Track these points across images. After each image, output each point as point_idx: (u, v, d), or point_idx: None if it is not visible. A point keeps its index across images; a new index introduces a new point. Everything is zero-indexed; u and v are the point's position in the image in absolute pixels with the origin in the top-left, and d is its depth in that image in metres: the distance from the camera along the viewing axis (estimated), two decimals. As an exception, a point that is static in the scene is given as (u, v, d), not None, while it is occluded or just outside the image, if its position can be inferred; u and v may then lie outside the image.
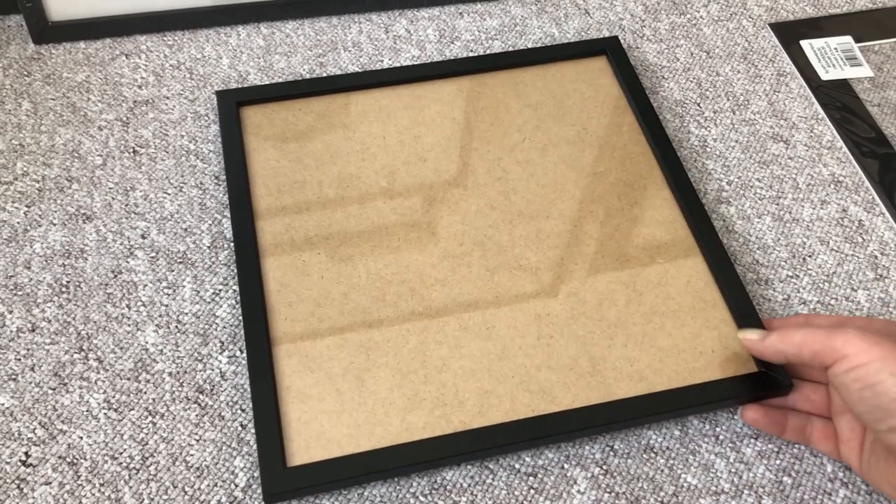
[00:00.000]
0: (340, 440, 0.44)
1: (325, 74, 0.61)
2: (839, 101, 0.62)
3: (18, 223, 0.52)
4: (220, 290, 0.50)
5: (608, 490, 0.45)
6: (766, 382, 0.46)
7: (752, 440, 0.47)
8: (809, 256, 0.54)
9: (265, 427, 0.43)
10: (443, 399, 0.45)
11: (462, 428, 0.44)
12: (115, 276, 0.51)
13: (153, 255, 0.52)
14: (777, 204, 0.57)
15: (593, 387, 0.46)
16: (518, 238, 0.52)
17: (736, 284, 0.50)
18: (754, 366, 0.47)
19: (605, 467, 0.46)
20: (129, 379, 0.47)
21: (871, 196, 0.57)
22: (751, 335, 0.46)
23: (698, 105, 0.61)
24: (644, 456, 0.46)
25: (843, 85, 0.63)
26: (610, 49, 0.61)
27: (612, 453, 0.46)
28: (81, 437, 0.45)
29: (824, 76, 0.64)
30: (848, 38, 0.66)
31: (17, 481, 0.43)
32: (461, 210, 0.53)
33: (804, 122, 0.61)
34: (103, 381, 0.47)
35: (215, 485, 0.44)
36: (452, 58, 0.62)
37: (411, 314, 0.48)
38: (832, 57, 0.65)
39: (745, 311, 0.49)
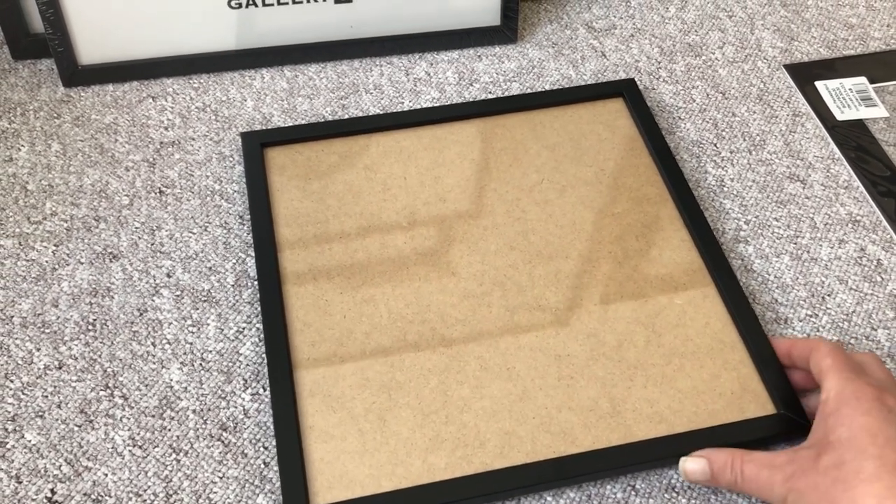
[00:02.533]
0: (363, 480, 0.44)
1: (347, 116, 0.62)
2: (855, 140, 0.63)
3: (47, 262, 0.53)
4: (243, 329, 0.51)
5: (630, 530, 0.45)
6: (786, 423, 0.46)
7: (774, 480, 0.47)
8: (828, 296, 0.54)
9: (289, 467, 0.44)
10: (464, 440, 0.46)
11: (483, 469, 0.45)
12: (141, 314, 0.51)
13: (178, 293, 0.52)
14: (795, 243, 0.57)
15: (613, 428, 0.46)
16: (537, 278, 0.52)
17: (754, 325, 0.50)
18: (773, 407, 0.47)
19: (626, 507, 0.46)
20: (153, 416, 0.48)
21: (889, 235, 0.58)
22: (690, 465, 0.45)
23: (715, 145, 0.62)
24: (666, 496, 0.46)
25: (859, 125, 0.64)
26: (626, 91, 0.62)
27: (633, 493, 0.46)
28: (106, 475, 0.45)
29: (840, 116, 0.64)
30: (863, 79, 0.67)
31: (42, 518, 0.44)
32: (481, 250, 0.53)
33: (820, 161, 0.62)
34: (128, 419, 0.47)
35: (238, 523, 0.44)
36: (471, 100, 0.63)
37: (432, 354, 0.49)
38: (847, 98, 0.65)
39: (763, 352, 0.49)
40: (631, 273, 0.53)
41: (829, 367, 0.43)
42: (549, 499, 0.46)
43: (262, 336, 0.50)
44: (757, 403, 0.47)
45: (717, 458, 0.44)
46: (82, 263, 0.53)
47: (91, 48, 0.62)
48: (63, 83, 0.62)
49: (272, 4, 0.62)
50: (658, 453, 0.45)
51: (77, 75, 0.62)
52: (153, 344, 0.50)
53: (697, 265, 0.53)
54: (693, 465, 0.44)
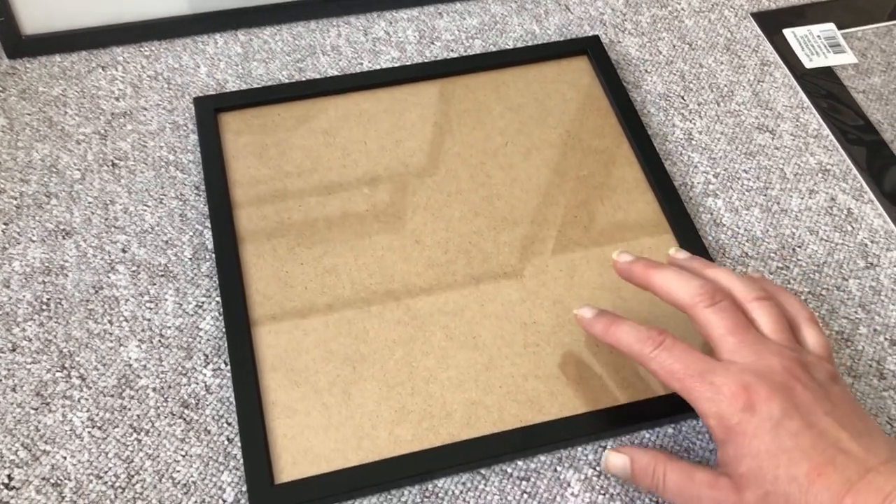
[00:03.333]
0: (328, 455, 0.43)
1: (304, 79, 0.60)
2: (824, 88, 0.62)
3: (-3, 242, 0.52)
4: (203, 303, 0.50)
5: (602, 492, 0.44)
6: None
7: (746, 437, 0.46)
8: (799, 247, 0.54)
9: (251, 445, 0.43)
10: (430, 411, 0.45)
11: (450, 440, 0.44)
12: (97, 291, 0.50)
13: (134, 269, 0.51)
14: (765, 195, 0.56)
15: (580, 395, 0.46)
16: (503, 245, 0.51)
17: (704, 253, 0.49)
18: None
19: (598, 468, 0.45)
20: (112, 396, 0.46)
21: (860, 184, 0.57)
22: (583, 312, 0.44)
23: (682, 98, 0.61)
24: (637, 456, 0.46)
25: (828, 73, 0.63)
26: (591, 48, 0.60)
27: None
28: (65, 458, 0.44)
29: (808, 64, 0.63)
30: (831, 26, 0.65)
31: (1, 505, 0.43)
32: (445, 217, 0.52)
33: (789, 111, 0.60)
34: (86, 399, 0.46)
35: (203, 501, 0.43)
36: (433, 59, 0.61)
37: (397, 325, 0.48)
38: (815, 45, 0.64)
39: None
40: (597, 238, 0.52)
41: (700, 372, 0.39)
42: (519, 463, 0.45)
43: (221, 310, 0.49)
44: None
45: (638, 459, 0.42)
46: (34, 241, 0.52)
47: (35, 17, 0.59)
48: (6, 55, 0.60)
49: (222, -35, 0.60)
50: (625, 420, 0.44)
51: (21, 46, 0.60)
52: (110, 322, 0.49)
53: (663, 228, 0.52)
54: (615, 459, 0.43)
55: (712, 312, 0.41)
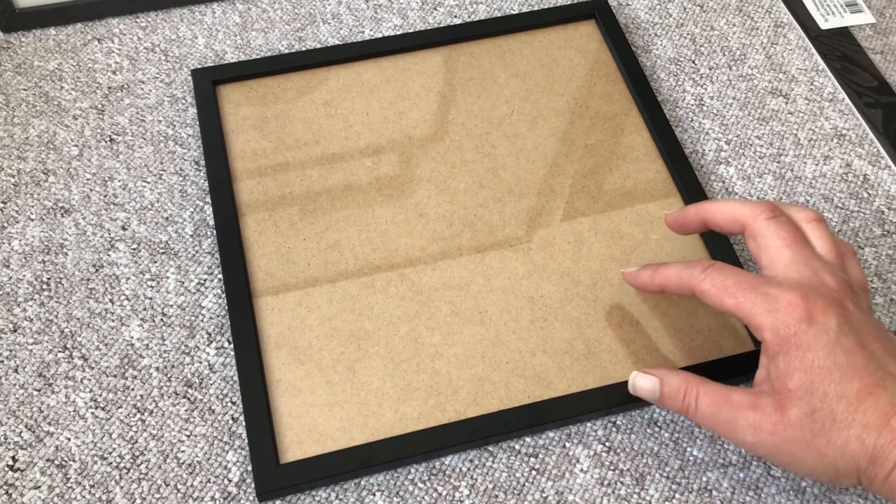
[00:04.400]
0: (333, 434, 0.42)
1: (304, 49, 0.59)
2: (840, 50, 0.60)
3: (-5, 220, 0.51)
4: (204, 280, 0.49)
5: (612, 467, 0.44)
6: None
7: (759, 410, 0.45)
8: (813, 216, 0.52)
9: (256, 424, 0.42)
10: (436, 388, 0.44)
11: (457, 417, 0.43)
12: (97, 270, 0.49)
13: (135, 246, 0.50)
14: (778, 162, 0.55)
15: (589, 370, 0.45)
16: (508, 217, 0.50)
17: (731, 258, 0.48)
18: (752, 344, 0.46)
19: (607, 444, 0.44)
20: (115, 376, 0.46)
21: (876, 148, 0.55)
22: (628, 269, 0.45)
23: (693, 62, 0.59)
24: (648, 430, 0.45)
25: (844, 33, 0.61)
26: (599, 12, 0.58)
27: (614, 429, 0.45)
28: (69, 439, 0.44)
29: (824, 25, 0.61)
30: (847, -16, 0.63)
31: (4, 487, 0.42)
32: (450, 189, 0.51)
33: (804, 74, 0.59)
34: (89, 380, 0.46)
35: (208, 481, 0.43)
36: (436, 25, 0.60)
37: (401, 300, 0.47)
38: (831, 4, 0.62)
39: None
40: (605, 208, 0.51)
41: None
42: (527, 439, 0.44)
43: (224, 288, 0.48)
44: (735, 340, 0.46)
45: (669, 381, 0.40)
46: (32, 220, 0.51)
47: (28, -11, 0.58)
48: (1, 29, 0.59)
49: (218, -68, 0.58)
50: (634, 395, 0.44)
51: (15, 19, 0.58)
52: (111, 301, 0.48)
53: (675, 199, 0.51)
54: (644, 381, 0.41)
55: (772, 224, 0.40)
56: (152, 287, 0.49)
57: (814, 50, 0.60)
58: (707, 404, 0.39)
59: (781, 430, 0.36)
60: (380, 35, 0.59)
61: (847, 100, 0.57)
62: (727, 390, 0.39)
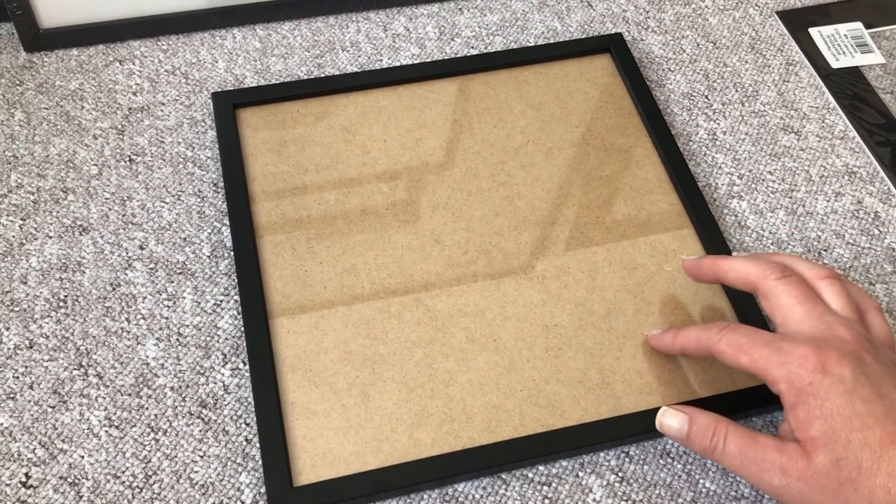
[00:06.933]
0: (347, 458, 0.43)
1: (323, 75, 0.59)
2: (850, 89, 0.61)
3: (14, 237, 0.51)
4: (221, 301, 0.49)
5: (624, 498, 0.44)
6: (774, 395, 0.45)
7: (771, 444, 0.46)
8: (825, 251, 0.53)
9: (270, 446, 0.42)
10: (450, 414, 0.44)
11: (471, 444, 0.43)
12: (114, 288, 0.49)
13: (152, 266, 0.50)
14: (790, 197, 0.55)
15: (602, 400, 0.45)
16: (524, 245, 0.50)
17: (748, 297, 0.48)
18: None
19: (620, 474, 0.44)
20: (130, 395, 0.46)
21: (887, 186, 0.56)
22: (652, 332, 0.47)
23: (706, 97, 0.60)
24: (661, 461, 0.45)
25: (854, 72, 0.62)
26: (614, 46, 0.59)
27: (627, 459, 0.45)
28: (83, 456, 0.44)
29: (835, 64, 0.62)
30: (858, 25, 0.64)
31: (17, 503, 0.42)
32: (465, 216, 0.51)
33: (815, 111, 0.59)
34: (104, 398, 0.46)
35: (221, 502, 0.43)
36: (453, 55, 0.61)
37: (416, 326, 0.47)
38: (842, 44, 0.63)
39: (754, 321, 0.47)
40: (619, 239, 0.51)
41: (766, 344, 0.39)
42: (541, 468, 0.44)
43: (240, 309, 0.48)
44: (747, 373, 0.46)
45: (699, 420, 0.40)
46: (51, 237, 0.51)
47: (52, 10, 0.59)
48: (24, 48, 0.59)
49: (241, -41, 0.59)
50: (648, 426, 0.44)
51: (39, 39, 0.59)
52: (127, 319, 0.48)
53: (688, 231, 0.52)
54: (672, 420, 0.41)
55: (782, 284, 0.40)
56: (168, 307, 0.49)
57: (825, 88, 0.61)
58: (735, 444, 0.39)
59: (809, 476, 0.36)
60: (397, 64, 0.60)
61: (858, 137, 0.58)
62: (755, 433, 0.39)
